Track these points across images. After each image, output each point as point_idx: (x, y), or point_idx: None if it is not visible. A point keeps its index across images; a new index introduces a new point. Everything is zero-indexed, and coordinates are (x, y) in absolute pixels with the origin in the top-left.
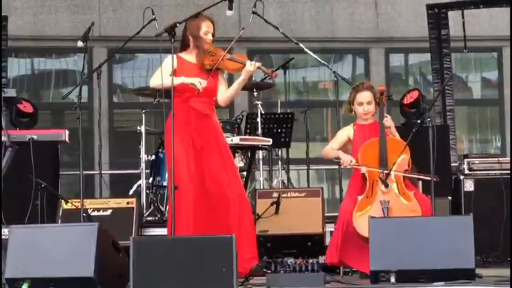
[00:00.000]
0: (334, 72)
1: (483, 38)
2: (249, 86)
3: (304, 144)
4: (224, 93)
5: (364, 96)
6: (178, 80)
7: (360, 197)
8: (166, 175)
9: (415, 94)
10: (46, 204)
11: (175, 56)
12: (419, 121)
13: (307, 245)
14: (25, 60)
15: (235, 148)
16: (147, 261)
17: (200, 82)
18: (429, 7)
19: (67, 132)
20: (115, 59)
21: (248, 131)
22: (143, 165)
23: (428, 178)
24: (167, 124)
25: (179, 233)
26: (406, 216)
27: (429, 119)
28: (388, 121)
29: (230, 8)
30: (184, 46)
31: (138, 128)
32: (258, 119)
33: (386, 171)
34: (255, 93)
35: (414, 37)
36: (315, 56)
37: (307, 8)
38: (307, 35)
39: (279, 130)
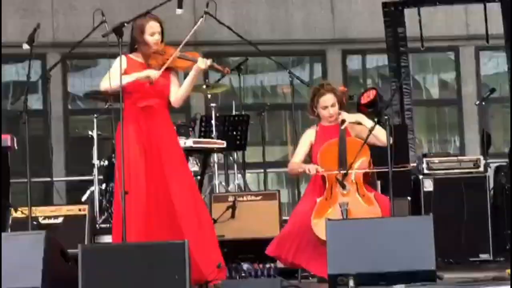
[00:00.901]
0: (289, 72)
1: (439, 38)
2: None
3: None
4: (176, 93)
5: (328, 99)
6: (130, 77)
7: (319, 199)
8: None
9: (372, 94)
10: None
11: (124, 56)
12: (376, 120)
13: (264, 250)
14: None
15: (188, 151)
16: (97, 270)
17: (154, 74)
18: (385, 5)
19: (14, 138)
20: (72, 66)
21: (202, 134)
22: (95, 171)
23: (386, 170)
24: (117, 127)
25: (129, 241)
26: (364, 218)
27: (386, 117)
28: (343, 115)
29: (180, 6)
30: (134, 48)
31: (90, 133)
32: (213, 121)
33: (343, 171)
34: (209, 95)
35: (371, 37)
36: (270, 57)
37: (262, 9)
38: (262, 37)
39: (234, 133)
